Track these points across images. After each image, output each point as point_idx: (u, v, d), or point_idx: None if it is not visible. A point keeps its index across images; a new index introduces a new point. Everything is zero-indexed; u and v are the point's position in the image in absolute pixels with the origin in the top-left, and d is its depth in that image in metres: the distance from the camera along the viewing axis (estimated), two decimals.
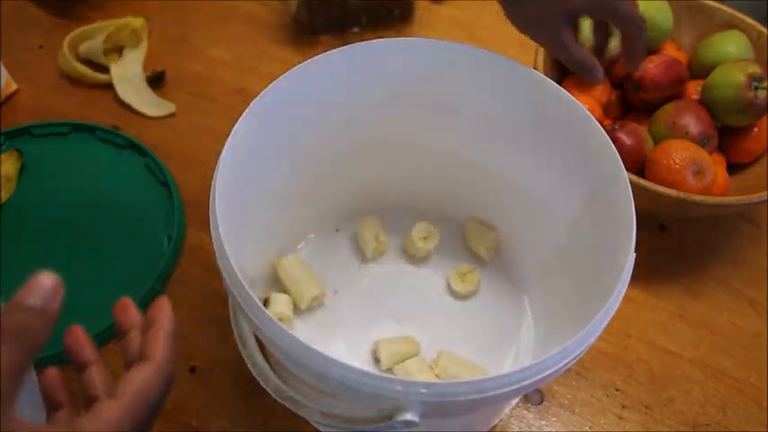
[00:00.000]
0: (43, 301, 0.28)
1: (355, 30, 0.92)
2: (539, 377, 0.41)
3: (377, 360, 0.62)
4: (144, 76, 0.83)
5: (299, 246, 0.69)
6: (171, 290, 0.67)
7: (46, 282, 0.29)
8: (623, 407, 0.64)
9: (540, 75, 0.55)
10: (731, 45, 0.76)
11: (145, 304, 0.65)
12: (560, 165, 0.58)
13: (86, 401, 0.33)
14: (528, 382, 0.41)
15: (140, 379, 0.31)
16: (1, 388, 0.26)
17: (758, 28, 0.77)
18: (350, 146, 0.63)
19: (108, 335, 0.63)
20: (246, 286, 0.42)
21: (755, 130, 0.73)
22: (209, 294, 0.67)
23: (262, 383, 0.45)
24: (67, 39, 0.83)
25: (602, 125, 0.52)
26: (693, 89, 0.75)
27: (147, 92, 0.82)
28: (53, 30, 0.88)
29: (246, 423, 0.60)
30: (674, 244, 0.75)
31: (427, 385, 0.39)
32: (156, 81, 0.83)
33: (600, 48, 0.60)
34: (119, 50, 0.86)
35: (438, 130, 0.63)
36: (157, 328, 0.34)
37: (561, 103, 0.54)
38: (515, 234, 0.69)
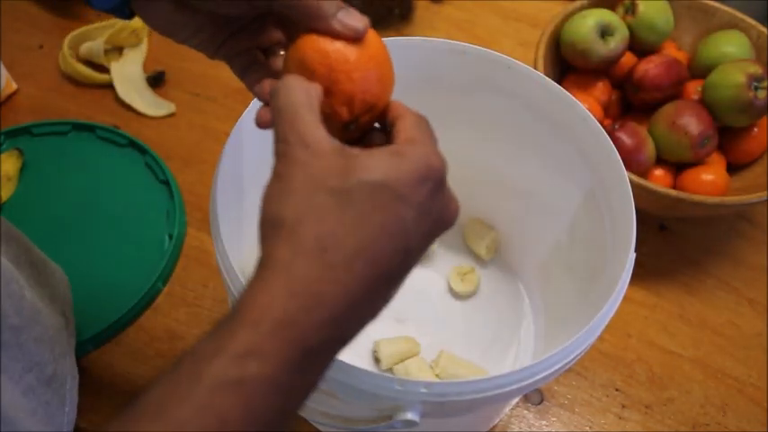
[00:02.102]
0: None
1: None
2: (539, 377, 0.41)
3: (377, 360, 0.62)
4: (144, 76, 0.83)
5: None
6: (171, 290, 0.67)
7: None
8: (623, 407, 0.64)
9: (540, 75, 0.55)
10: (731, 45, 0.75)
11: (146, 303, 0.65)
12: (560, 165, 0.58)
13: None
14: (528, 382, 0.41)
15: (410, 115, 0.34)
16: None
17: (758, 28, 0.77)
18: None
19: (108, 334, 0.63)
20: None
21: (755, 130, 0.73)
22: (209, 294, 0.67)
23: None
24: (68, 39, 0.83)
25: (602, 125, 0.52)
26: (693, 89, 0.75)
27: (147, 92, 0.82)
28: (53, 30, 0.88)
29: None
30: (674, 244, 0.75)
31: (427, 385, 0.39)
32: (156, 81, 0.83)
33: None
34: (119, 50, 0.86)
35: (438, 129, 0.62)
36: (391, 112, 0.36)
37: (561, 103, 0.54)
38: (515, 234, 0.69)
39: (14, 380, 0.42)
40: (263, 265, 0.29)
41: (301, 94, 0.31)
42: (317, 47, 0.34)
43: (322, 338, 0.28)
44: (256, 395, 0.26)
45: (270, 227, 0.29)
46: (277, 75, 0.38)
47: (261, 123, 0.34)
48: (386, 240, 0.29)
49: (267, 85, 0.37)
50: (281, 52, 0.40)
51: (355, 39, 0.34)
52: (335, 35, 0.34)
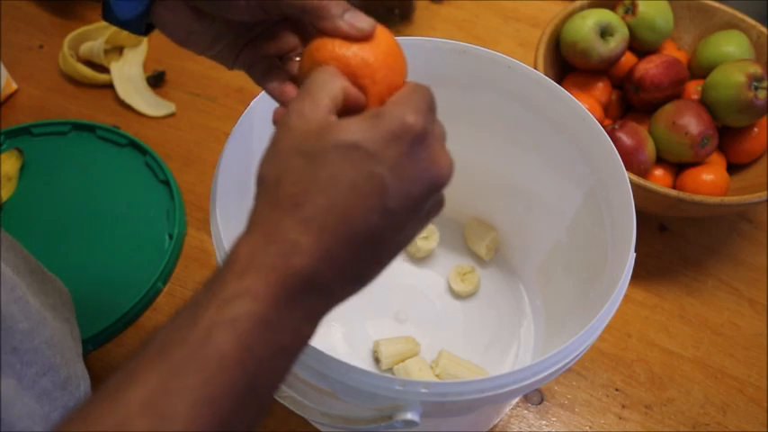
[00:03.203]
0: None
1: None
2: (539, 377, 0.41)
3: (377, 360, 0.62)
4: (144, 76, 0.83)
5: None
6: (171, 289, 0.67)
7: None
8: (623, 407, 0.64)
9: (540, 75, 0.55)
10: (731, 45, 0.76)
11: (146, 303, 0.65)
12: (560, 165, 0.58)
13: None
14: (528, 382, 0.41)
15: (409, 85, 0.34)
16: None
17: (758, 28, 0.77)
18: None
19: (109, 334, 0.63)
20: None
21: (755, 130, 0.73)
22: None
23: None
24: (68, 39, 0.83)
25: (602, 125, 0.52)
26: (693, 89, 0.75)
27: (147, 92, 0.82)
28: (53, 30, 0.88)
29: None
30: (674, 244, 0.75)
31: (427, 385, 0.39)
32: (156, 81, 0.83)
33: None
34: (119, 50, 0.86)
35: None
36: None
37: (561, 103, 0.54)
38: (515, 234, 0.69)
39: (28, 385, 0.42)
40: (248, 222, 0.31)
41: (327, 79, 0.33)
42: (335, 54, 0.35)
43: (304, 284, 0.30)
44: (249, 330, 0.28)
45: (257, 187, 0.32)
46: (296, 79, 0.39)
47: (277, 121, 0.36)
48: (358, 198, 0.30)
49: (289, 88, 0.38)
50: (297, 58, 0.40)
51: (364, 38, 0.35)
52: (344, 36, 0.35)
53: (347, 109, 0.33)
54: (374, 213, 0.30)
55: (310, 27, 0.36)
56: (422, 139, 0.31)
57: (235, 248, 0.30)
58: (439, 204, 0.35)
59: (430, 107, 0.33)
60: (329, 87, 0.32)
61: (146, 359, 0.28)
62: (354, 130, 0.30)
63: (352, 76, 0.34)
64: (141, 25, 0.39)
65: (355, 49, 0.35)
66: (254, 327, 0.28)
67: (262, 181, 0.32)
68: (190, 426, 0.27)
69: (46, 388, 0.43)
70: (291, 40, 0.40)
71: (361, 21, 0.35)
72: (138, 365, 0.28)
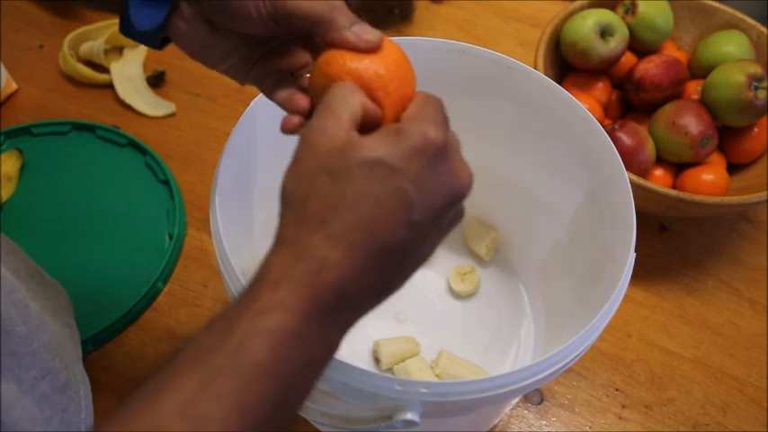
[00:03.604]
0: None
1: None
2: (539, 377, 0.41)
3: (377, 360, 0.62)
4: (144, 76, 0.83)
5: None
6: (171, 289, 0.67)
7: None
8: (623, 407, 0.64)
9: (540, 75, 0.55)
10: (731, 45, 0.76)
11: (146, 303, 0.65)
12: (560, 165, 0.58)
13: None
14: (528, 382, 0.41)
15: (420, 96, 0.35)
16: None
17: (758, 28, 0.77)
18: None
19: (109, 334, 0.63)
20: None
21: (755, 130, 0.73)
22: (209, 294, 0.67)
23: None
24: (68, 39, 0.83)
25: (602, 125, 0.52)
26: (693, 89, 0.75)
27: (147, 92, 0.82)
28: (53, 30, 0.88)
29: None
30: (674, 244, 0.75)
31: (427, 385, 0.39)
32: (156, 81, 0.83)
33: None
34: (119, 50, 0.86)
35: None
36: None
37: (561, 103, 0.54)
38: (515, 234, 0.69)
39: (27, 389, 0.42)
40: (277, 239, 0.32)
41: (346, 95, 0.33)
42: (347, 68, 0.35)
43: (334, 298, 0.31)
44: (282, 342, 0.29)
45: (283, 204, 0.32)
46: (306, 90, 0.39)
47: (286, 129, 0.37)
48: (384, 213, 0.31)
49: (299, 97, 0.38)
50: (308, 75, 0.40)
51: (372, 51, 0.35)
52: (352, 48, 0.35)
53: (365, 123, 0.34)
54: (400, 227, 0.31)
55: (320, 40, 0.37)
56: (443, 153, 0.32)
57: (266, 263, 0.31)
58: (459, 215, 0.35)
59: (445, 119, 0.34)
60: (350, 103, 0.33)
61: (181, 365, 0.29)
62: (378, 147, 0.31)
63: (367, 89, 0.34)
64: (158, 38, 0.40)
65: (367, 63, 0.35)
66: (287, 338, 0.29)
67: (287, 198, 0.32)
68: (224, 431, 0.27)
69: (45, 392, 0.43)
70: (303, 56, 0.41)
71: (368, 33, 0.35)
72: (174, 371, 0.29)
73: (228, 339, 0.29)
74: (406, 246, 0.32)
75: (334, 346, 0.33)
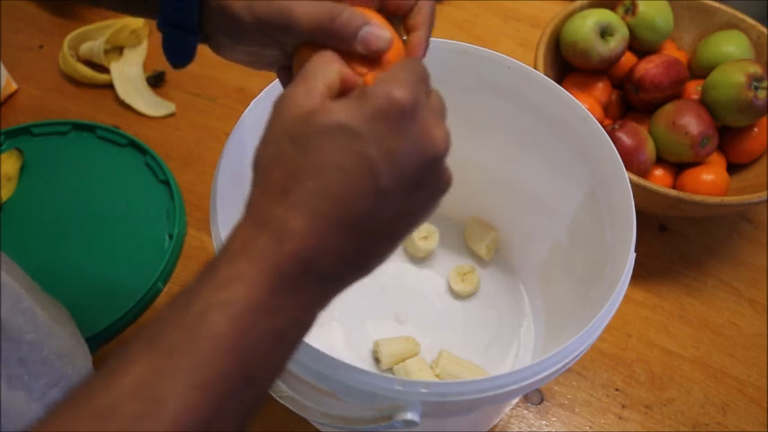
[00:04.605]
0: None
1: None
2: (539, 377, 0.41)
3: (377, 360, 0.62)
4: (144, 76, 0.83)
5: None
6: (171, 290, 0.67)
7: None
8: (623, 407, 0.64)
9: (540, 75, 0.55)
10: (731, 45, 0.76)
11: (146, 303, 0.65)
12: (560, 165, 0.58)
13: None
14: (528, 382, 0.41)
15: (402, 60, 0.35)
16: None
17: (758, 28, 0.77)
18: None
19: (109, 334, 0.63)
20: None
21: (755, 130, 0.73)
22: None
23: None
24: (68, 39, 0.83)
25: (602, 125, 0.52)
26: (693, 89, 0.75)
27: (148, 92, 0.82)
28: (53, 30, 0.88)
29: None
30: (674, 244, 0.75)
31: (427, 385, 0.39)
32: (156, 81, 0.83)
33: None
34: (119, 50, 0.86)
35: None
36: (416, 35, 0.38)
37: (561, 103, 0.55)
38: (515, 234, 0.69)
39: (38, 397, 0.42)
40: (244, 209, 0.31)
41: (324, 63, 0.32)
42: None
43: (298, 270, 0.29)
44: (243, 314, 0.28)
45: (252, 172, 0.32)
46: None
47: None
48: (348, 181, 0.29)
49: None
50: None
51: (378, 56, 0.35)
52: (360, 57, 0.35)
53: (345, 92, 0.32)
54: (368, 195, 0.29)
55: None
56: (411, 114, 0.30)
57: (230, 236, 0.30)
58: (442, 179, 0.32)
59: (421, 78, 0.32)
60: (325, 72, 0.32)
61: (139, 344, 0.28)
62: (340, 111, 0.30)
63: (350, 63, 0.34)
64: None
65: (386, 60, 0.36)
66: (248, 311, 0.28)
67: (255, 167, 0.32)
68: (181, 410, 0.26)
69: (57, 399, 0.43)
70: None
71: (378, 40, 0.35)
72: (132, 350, 0.28)
73: (187, 314, 0.28)
74: (376, 215, 0.30)
75: (304, 321, 0.31)
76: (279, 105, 0.31)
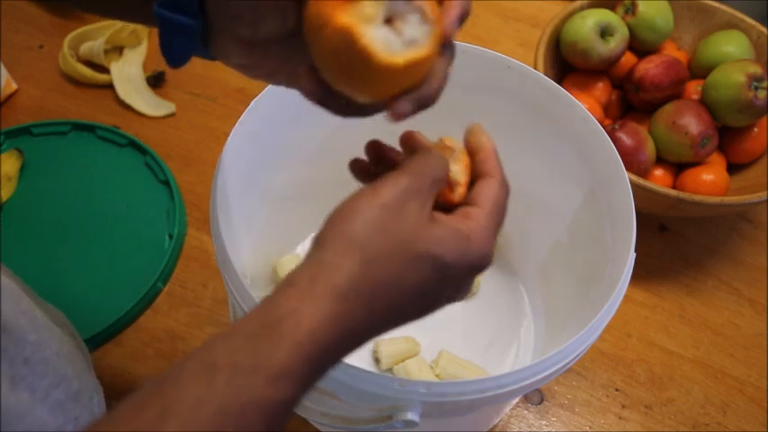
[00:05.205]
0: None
1: None
2: (539, 377, 0.41)
3: (377, 360, 0.62)
4: (144, 76, 0.83)
5: (299, 246, 0.69)
6: (171, 289, 0.67)
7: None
8: (623, 407, 0.64)
9: (540, 75, 0.55)
10: (731, 45, 0.76)
11: (147, 302, 0.65)
12: (560, 165, 0.58)
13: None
14: (528, 382, 0.41)
15: (492, 190, 0.36)
16: (430, 188, 0.34)
17: (758, 28, 0.77)
18: (350, 145, 0.63)
19: (109, 334, 0.63)
20: (246, 286, 0.42)
21: (755, 130, 0.73)
22: (209, 294, 0.67)
23: None
24: (68, 39, 0.83)
25: (602, 125, 0.52)
26: (693, 89, 0.75)
27: (147, 92, 0.82)
28: (53, 30, 0.88)
29: None
30: (674, 244, 0.75)
31: (427, 385, 0.39)
32: (156, 81, 0.83)
33: None
34: (119, 50, 0.86)
35: (438, 129, 0.62)
36: (486, 155, 0.38)
37: (561, 103, 0.54)
38: (515, 234, 0.69)
39: (41, 398, 0.42)
40: (317, 276, 0.31)
41: (438, 169, 0.35)
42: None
43: (337, 361, 0.32)
44: (279, 413, 0.29)
45: (347, 244, 0.31)
46: None
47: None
48: (417, 304, 0.33)
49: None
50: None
51: None
52: None
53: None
54: (421, 312, 0.34)
55: None
56: (485, 269, 0.35)
57: (297, 306, 0.30)
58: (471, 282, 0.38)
59: (503, 220, 0.36)
60: (435, 183, 0.34)
61: (173, 413, 0.28)
62: (450, 249, 0.32)
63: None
64: (207, 55, 0.38)
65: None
66: (285, 409, 0.29)
67: (356, 246, 0.31)
68: None
69: (59, 399, 0.43)
70: None
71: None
72: (165, 416, 0.27)
73: (230, 401, 0.28)
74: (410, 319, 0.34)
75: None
76: (409, 206, 0.32)
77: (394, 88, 0.32)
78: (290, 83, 0.39)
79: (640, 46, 0.77)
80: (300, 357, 0.29)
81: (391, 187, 0.32)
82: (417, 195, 0.32)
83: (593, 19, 0.73)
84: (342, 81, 0.32)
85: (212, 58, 0.38)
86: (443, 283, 0.33)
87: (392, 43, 0.29)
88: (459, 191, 0.36)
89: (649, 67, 0.73)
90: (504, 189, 0.37)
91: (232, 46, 0.36)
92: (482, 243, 0.34)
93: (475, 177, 0.37)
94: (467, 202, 0.36)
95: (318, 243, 0.32)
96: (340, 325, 0.30)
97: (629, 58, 0.77)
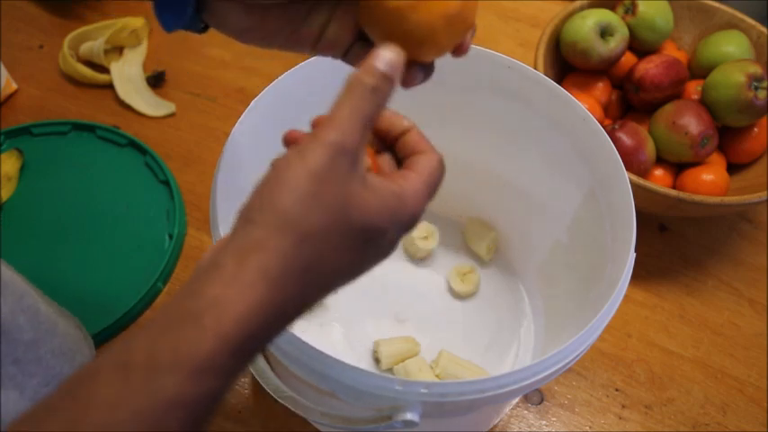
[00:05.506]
0: (392, 70, 0.32)
1: None
2: (539, 377, 0.41)
3: (377, 360, 0.62)
4: (144, 76, 0.83)
5: None
6: (171, 289, 0.67)
7: (393, 54, 0.32)
8: (623, 407, 0.64)
9: (540, 75, 0.55)
10: (731, 45, 0.76)
11: (147, 302, 0.65)
12: (560, 165, 0.58)
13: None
14: (528, 382, 0.41)
15: (431, 162, 0.35)
16: (361, 137, 0.30)
17: (758, 28, 0.77)
18: None
19: (109, 334, 0.63)
20: None
21: (755, 130, 0.73)
22: None
23: (262, 384, 0.45)
24: (68, 39, 0.83)
25: (602, 125, 0.52)
26: (693, 89, 0.75)
27: (147, 92, 0.82)
28: (53, 30, 0.88)
29: (246, 423, 0.60)
30: (674, 244, 0.75)
31: (427, 385, 0.39)
32: (156, 81, 0.83)
33: None
34: (119, 50, 0.86)
35: (438, 129, 0.62)
36: (414, 135, 0.37)
37: (561, 103, 0.54)
38: (515, 234, 0.69)
39: (30, 396, 0.42)
40: (245, 258, 0.28)
41: (372, 106, 0.31)
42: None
43: (267, 344, 0.30)
44: (204, 408, 0.27)
45: (277, 220, 0.29)
46: None
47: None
48: (352, 271, 0.32)
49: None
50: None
51: None
52: None
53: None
54: (345, 278, 0.32)
55: None
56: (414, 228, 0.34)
57: (223, 291, 0.28)
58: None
59: (436, 193, 0.35)
60: (364, 141, 0.31)
61: (93, 407, 0.26)
62: (382, 215, 0.31)
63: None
64: (197, 26, 0.37)
65: None
66: (210, 403, 0.27)
67: (290, 221, 0.29)
68: None
69: None
70: None
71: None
72: (83, 405, 0.26)
73: (148, 398, 0.26)
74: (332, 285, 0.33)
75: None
76: (340, 162, 0.30)
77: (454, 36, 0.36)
78: (286, 46, 0.38)
79: (640, 46, 0.77)
80: (225, 349, 0.27)
81: (318, 148, 0.29)
82: (348, 153, 0.30)
83: (593, 19, 0.73)
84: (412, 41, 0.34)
85: (201, 30, 0.38)
86: (376, 247, 0.32)
87: None
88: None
89: (649, 67, 0.73)
90: (441, 166, 0.35)
91: (231, 8, 0.35)
92: (413, 204, 0.33)
93: (407, 156, 0.36)
94: (404, 167, 0.35)
95: (245, 217, 0.30)
96: (271, 311, 0.28)
97: (629, 58, 0.77)
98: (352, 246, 0.31)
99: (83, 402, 0.26)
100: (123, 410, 0.25)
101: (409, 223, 0.33)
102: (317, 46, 0.38)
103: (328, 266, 0.30)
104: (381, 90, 0.31)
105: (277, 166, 0.30)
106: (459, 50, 0.37)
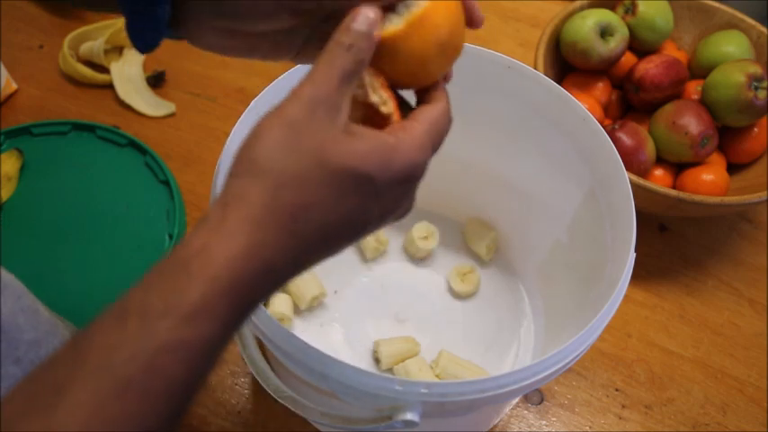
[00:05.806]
0: (369, 27, 0.31)
1: None
2: (539, 377, 0.41)
3: (377, 360, 0.62)
4: (144, 76, 0.83)
5: None
6: None
7: (370, 13, 0.32)
8: (623, 407, 0.64)
9: (540, 75, 0.55)
10: (731, 45, 0.76)
11: None
12: (560, 165, 0.58)
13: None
14: (528, 382, 0.41)
15: (436, 110, 0.34)
16: (339, 89, 0.30)
17: (758, 28, 0.77)
18: None
19: None
20: None
21: (755, 130, 0.73)
22: None
23: (262, 384, 0.45)
24: (68, 39, 0.83)
25: (602, 125, 0.52)
26: (693, 89, 0.75)
27: (147, 92, 0.82)
28: (53, 30, 0.88)
29: (246, 423, 0.60)
30: (674, 244, 0.75)
31: (427, 385, 0.39)
32: (156, 81, 0.83)
33: None
34: (119, 50, 0.85)
35: None
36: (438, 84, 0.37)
37: (561, 103, 0.55)
38: (515, 234, 0.69)
39: None
40: (228, 208, 0.29)
41: (348, 61, 0.31)
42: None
43: (262, 297, 0.30)
44: (200, 354, 0.28)
45: (254, 170, 0.30)
46: None
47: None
48: (347, 225, 0.31)
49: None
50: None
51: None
52: None
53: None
54: (350, 237, 0.32)
55: None
56: (418, 183, 0.33)
57: (207, 240, 0.28)
58: (408, 198, 0.35)
59: (442, 142, 0.34)
60: (353, 68, 0.31)
61: (87, 360, 0.27)
62: (373, 161, 0.30)
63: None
64: (172, 37, 0.37)
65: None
66: (206, 350, 0.28)
67: (264, 170, 0.29)
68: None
69: None
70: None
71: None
72: (80, 362, 0.27)
73: (143, 344, 0.27)
74: (342, 243, 0.33)
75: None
76: (318, 109, 0.30)
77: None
78: (267, 56, 0.38)
79: (640, 46, 0.77)
80: (217, 293, 0.27)
81: (294, 101, 0.30)
82: (325, 102, 0.30)
83: (593, 19, 0.73)
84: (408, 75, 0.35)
85: (176, 38, 0.37)
86: (370, 199, 0.31)
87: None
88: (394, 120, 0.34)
89: (649, 67, 0.73)
90: (447, 116, 0.35)
91: (210, 32, 0.36)
92: (410, 152, 0.31)
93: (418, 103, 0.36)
94: (409, 116, 0.34)
95: (230, 174, 0.30)
96: (260, 255, 0.28)
97: (629, 58, 0.77)
98: (339, 194, 0.30)
99: (83, 349, 0.27)
100: (120, 353, 0.26)
101: (407, 171, 0.31)
102: (296, 57, 0.38)
103: (316, 215, 0.30)
104: (357, 46, 0.31)
105: (258, 124, 0.31)
106: (445, 79, 0.37)
